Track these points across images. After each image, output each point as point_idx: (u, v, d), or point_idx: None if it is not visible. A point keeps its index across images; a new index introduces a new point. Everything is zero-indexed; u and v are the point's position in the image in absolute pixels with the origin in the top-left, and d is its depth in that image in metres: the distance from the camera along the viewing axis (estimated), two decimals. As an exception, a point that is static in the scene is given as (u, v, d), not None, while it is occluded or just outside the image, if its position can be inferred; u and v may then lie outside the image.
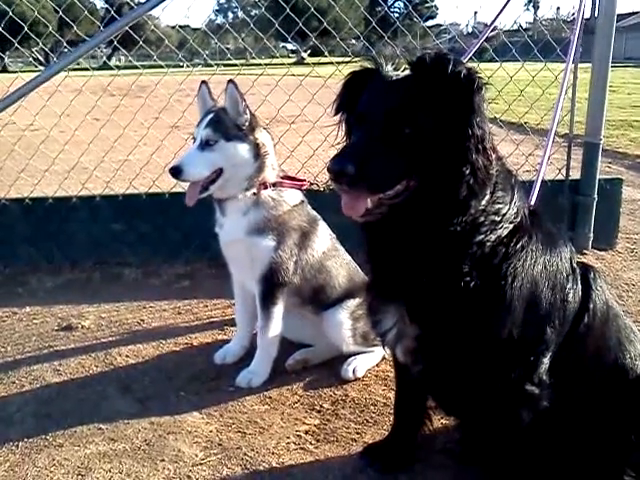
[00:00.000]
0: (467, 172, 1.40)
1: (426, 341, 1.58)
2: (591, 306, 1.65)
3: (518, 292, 1.50)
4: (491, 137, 1.45)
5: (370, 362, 2.59)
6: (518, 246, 1.52)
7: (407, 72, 1.51)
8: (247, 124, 2.35)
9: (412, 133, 1.39)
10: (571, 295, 1.63)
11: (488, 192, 1.47)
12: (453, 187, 1.41)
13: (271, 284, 2.43)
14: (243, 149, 2.34)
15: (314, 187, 2.72)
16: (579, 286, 1.66)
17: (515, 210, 1.53)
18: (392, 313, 1.63)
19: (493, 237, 1.49)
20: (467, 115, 1.37)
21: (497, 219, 1.50)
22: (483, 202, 1.46)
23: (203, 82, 2.47)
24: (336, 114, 1.64)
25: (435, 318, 1.54)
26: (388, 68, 1.55)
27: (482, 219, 1.47)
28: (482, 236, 1.48)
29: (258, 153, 2.37)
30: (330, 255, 2.58)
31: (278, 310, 2.47)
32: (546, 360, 1.59)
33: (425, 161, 1.40)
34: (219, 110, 2.36)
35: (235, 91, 2.32)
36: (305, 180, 2.65)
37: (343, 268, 2.61)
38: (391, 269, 1.58)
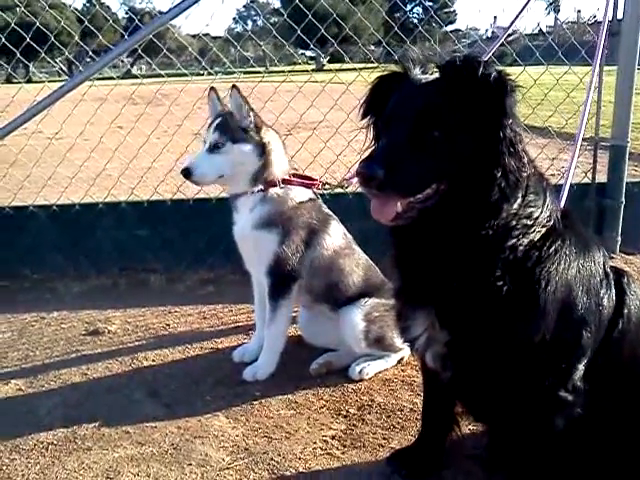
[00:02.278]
0: (499, 175, 1.39)
1: (457, 347, 1.56)
2: (625, 311, 1.63)
3: (552, 296, 1.48)
4: (523, 140, 1.44)
5: (381, 366, 2.59)
6: (551, 250, 1.50)
7: (436, 75, 1.50)
8: (251, 125, 2.46)
9: (442, 136, 1.38)
10: (605, 300, 1.60)
11: (520, 195, 1.45)
12: (484, 190, 1.40)
13: (278, 277, 2.50)
14: (248, 150, 2.46)
15: (326, 187, 2.73)
16: (613, 291, 1.63)
17: (548, 213, 1.52)
18: (422, 319, 1.61)
19: (526, 241, 1.47)
20: (498, 118, 1.37)
21: (529, 223, 1.48)
22: (515, 205, 1.45)
23: (212, 88, 2.57)
24: (363, 118, 1.64)
25: (466, 323, 1.52)
26: (416, 72, 1.54)
27: (514, 223, 1.45)
28: (514, 240, 1.46)
29: (263, 151, 2.48)
30: (343, 254, 2.60)
31: (286, 304, 2.53)
32: (581, 366, 1.56)
33: (455, 164, 1.40)
34: (226, 114, 2.48)
35: (239, 95, 2.44)
36: (316, 180, 2.67)
37: (359, 267, 2.62)
38: (421, 274, 1.56)
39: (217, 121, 2.46)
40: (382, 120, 1.53)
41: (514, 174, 1.41)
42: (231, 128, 2.44)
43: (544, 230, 1.51)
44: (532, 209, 1.49)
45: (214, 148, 2.43)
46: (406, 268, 1.64)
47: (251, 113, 2.45)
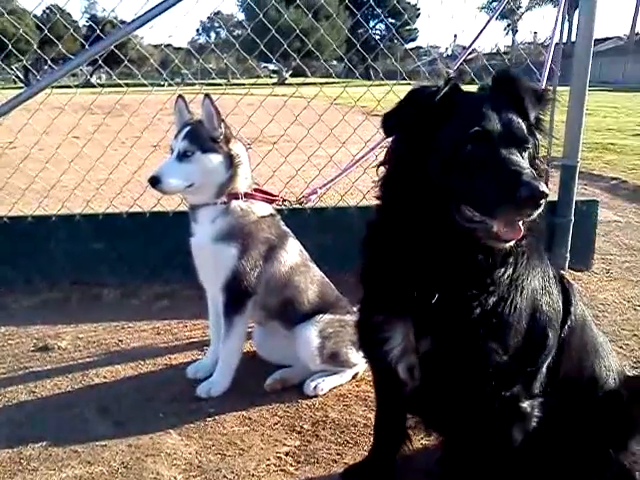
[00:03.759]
0: None
1: (434, 357, 1.58)
2: (572, 309, 1.71)
3: (526, 302, 1.56)
4: None
5: (336, 381, 2.59)
6: (525, 256, 1.57)
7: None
8: (222, 137, 2.43)
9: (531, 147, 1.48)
10: (559, 299, 1.69)
11: None
12: None
13: (234, 293, 2.47)
14: (217, 160, 2.42)
15: (286, 204, 2.75)
16: (561, 292, 1.72)
17: None
18: (398, 330, 1.62)
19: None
20: (537, 127, 1.52)
21: None
22: None
23: (180, 96, 2.54)
24: (392, 133, 1.54)
25: (446, 333, 1.54)
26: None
27: None
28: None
29: (231, 163, 2.46)
30: (299, 271, 2.59)
31: (241, 320, 2.51)
32: (544, 369, 1.63)
33: None
34: (196, 123, 2.44)
35: (210, 105, 2.40)
36: (277, 196, 2.68)
37: (314, 284, 2.62)
38: (400, 285, 1.57)
39: (186, 129, 2.41)
40: (460, 135, 1.42)
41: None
42: (201, 137, 2.39)
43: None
44: None
45: (183, 156, 2.37)
46: (382, 279, 1.64)
47: (222, 124, 2.42)
